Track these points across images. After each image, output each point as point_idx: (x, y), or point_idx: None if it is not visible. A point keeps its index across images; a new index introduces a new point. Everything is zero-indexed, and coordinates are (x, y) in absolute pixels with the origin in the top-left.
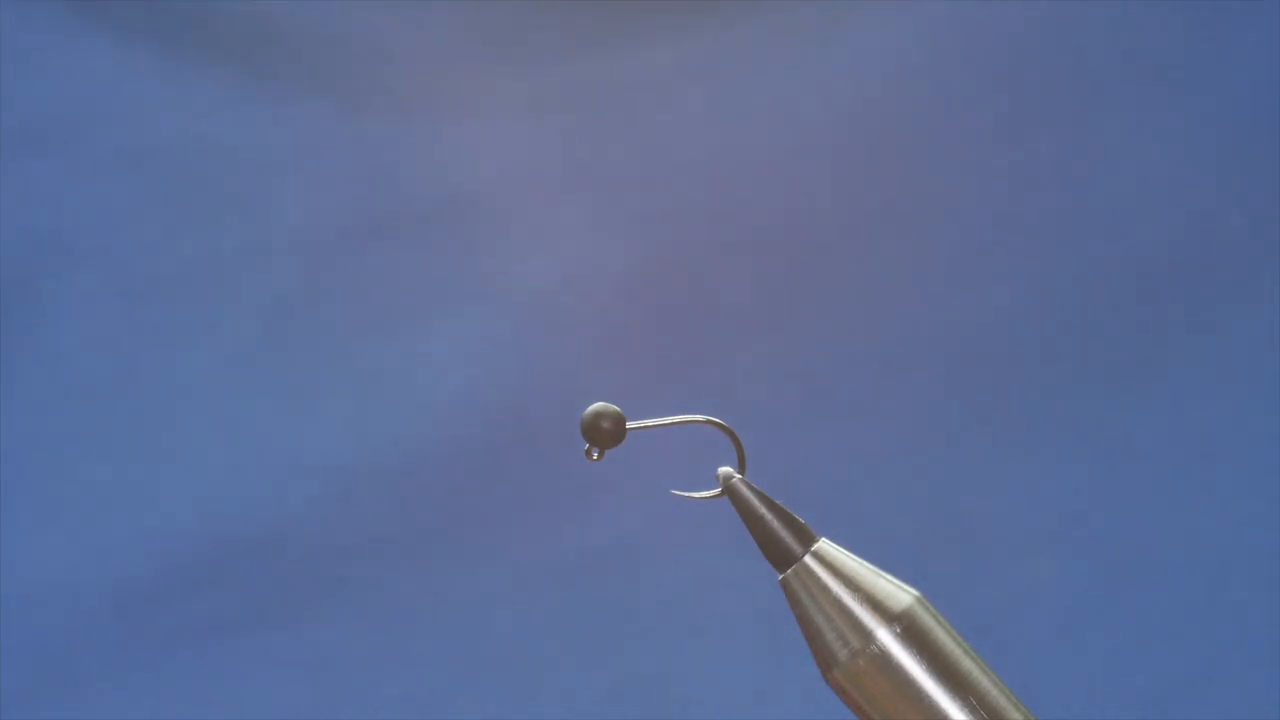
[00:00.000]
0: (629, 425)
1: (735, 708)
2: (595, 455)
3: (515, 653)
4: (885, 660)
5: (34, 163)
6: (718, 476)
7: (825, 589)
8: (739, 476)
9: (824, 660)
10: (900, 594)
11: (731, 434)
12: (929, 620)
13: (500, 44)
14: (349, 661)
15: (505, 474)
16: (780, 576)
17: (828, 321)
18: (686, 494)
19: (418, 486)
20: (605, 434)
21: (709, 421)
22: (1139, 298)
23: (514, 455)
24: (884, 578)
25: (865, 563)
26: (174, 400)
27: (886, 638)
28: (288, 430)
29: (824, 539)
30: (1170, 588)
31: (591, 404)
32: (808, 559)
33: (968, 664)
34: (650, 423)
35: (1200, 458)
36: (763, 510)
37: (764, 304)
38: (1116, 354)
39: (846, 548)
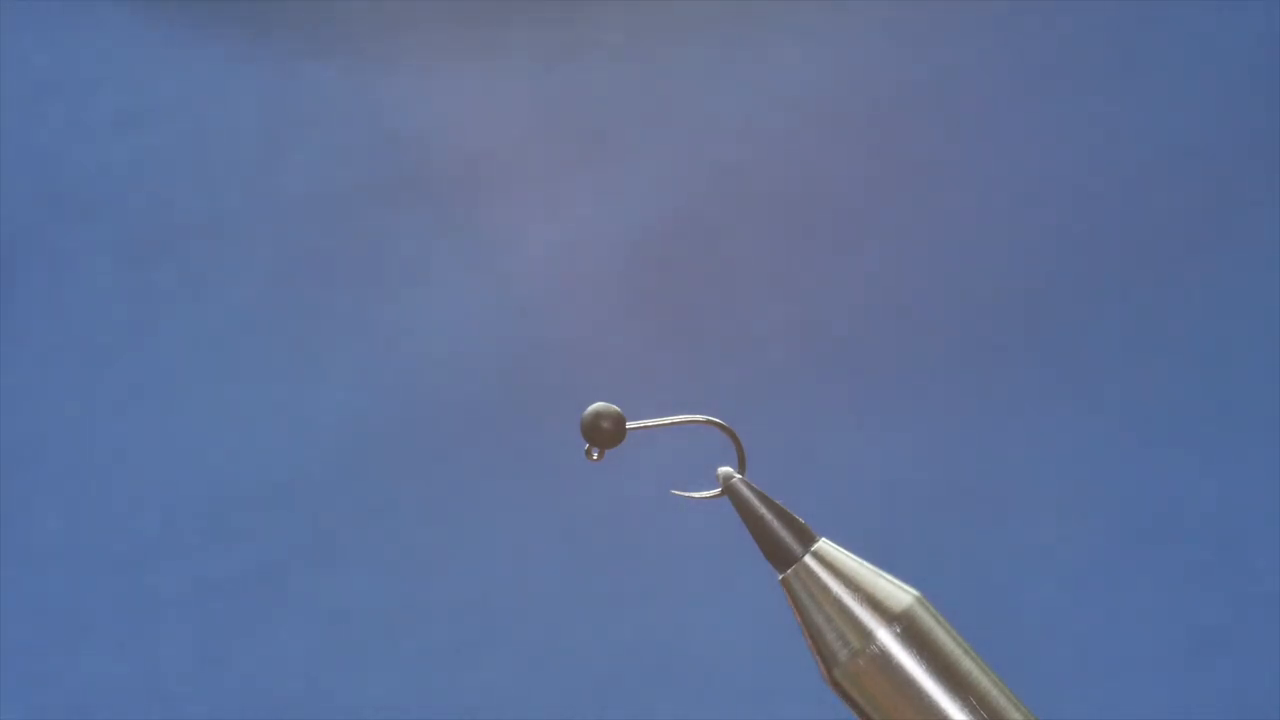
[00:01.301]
0: (629, 425)
1: (750, 666)
2: (595, 455)
3: (529, 607)
4: (885, 660)
5: (40, 121)
6: (718, 476)
7: (825, 589)
8: (739, 476)
9: (824, 660)
10: (900, 594)
11: (732, 434)
12: (929, 620)
13: (508, 2)
14: (365, 615)
15: (519, 432)
16: (780, 577)
17: (839, 281)
18: (686, 494)
19: (424, 446)
20: (605, 434)
21: (709, 421)
22: (1157, 255)
23: (529, 413)
24: (884, 578)
25: (865, 563)
26: (177, 358)
27: (886, 638)
28: (293, 388)
29: (824, 539)
30: (1187, 546)
31: (591, 404)
32: (808, 559)
33: (968, 664)
34: (650, 423)
35: (1218, 413)
36: (763, 510)
37: (774, 265)
38: (1130, 310)
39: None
